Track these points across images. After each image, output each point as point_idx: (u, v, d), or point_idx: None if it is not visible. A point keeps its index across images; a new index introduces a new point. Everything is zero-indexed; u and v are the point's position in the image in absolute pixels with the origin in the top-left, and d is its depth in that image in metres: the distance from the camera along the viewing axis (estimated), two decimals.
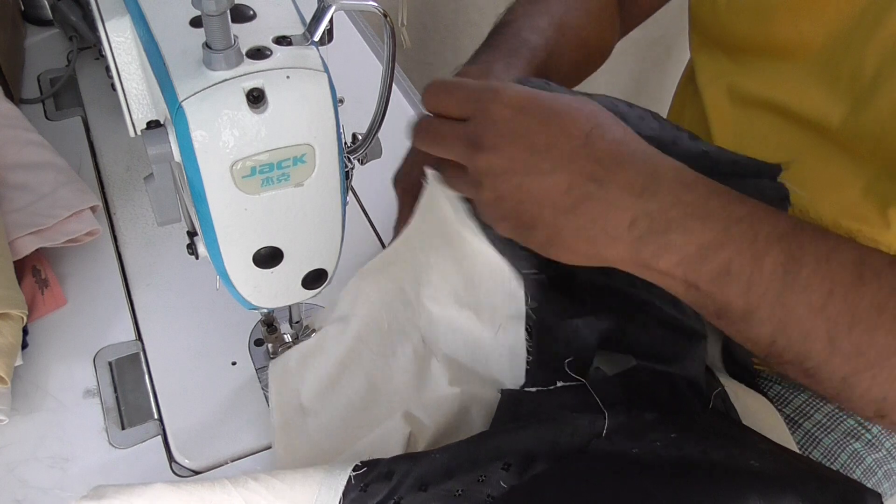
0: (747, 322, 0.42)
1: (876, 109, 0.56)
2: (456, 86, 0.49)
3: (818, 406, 0.73)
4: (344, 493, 0.45)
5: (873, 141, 0.57)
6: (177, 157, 0.42)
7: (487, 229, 0.52)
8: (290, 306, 0.57)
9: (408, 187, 0.60)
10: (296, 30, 0.43)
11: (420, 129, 0.50)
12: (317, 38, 0.42)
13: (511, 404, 0.53)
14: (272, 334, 0.60)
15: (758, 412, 0.57)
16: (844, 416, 0.72)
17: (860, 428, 0.71)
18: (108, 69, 0.51)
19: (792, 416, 0.72)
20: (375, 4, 0.44)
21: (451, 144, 0.48)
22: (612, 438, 0.48)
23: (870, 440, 0.71)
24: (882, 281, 0.41)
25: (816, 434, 0.71)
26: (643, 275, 0.45)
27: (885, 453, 0.71)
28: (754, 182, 0.51)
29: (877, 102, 0.56)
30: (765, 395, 0.59)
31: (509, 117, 0.46)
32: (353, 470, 0.46)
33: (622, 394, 0.52)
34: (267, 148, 0.41)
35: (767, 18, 0.61)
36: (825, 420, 0.71)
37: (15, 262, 0.61)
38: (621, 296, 0.55)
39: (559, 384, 0.53)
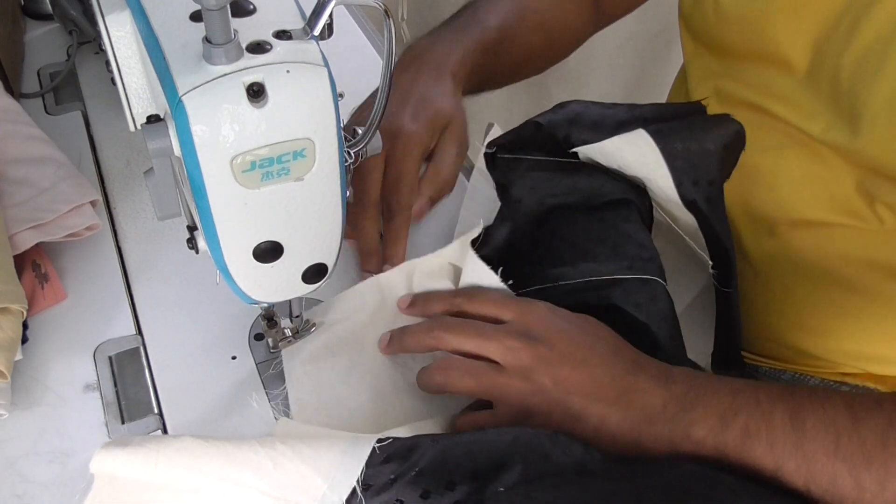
0: (780, 478, 0.47)
1: (852, 120, 0.56)
2: (485, 294, 0.57)
3: None
4: (367, 463, 0.46)
5: (852, 151, 0.57)
6: (177, 151, 0.42)
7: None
8: (290, 301, 0.57)
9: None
10: (296, 24, 0.43)
11: (461, 328, 0.55)
12: (317, 32, 0.42)
13: None
14: (272, 329, 0.60)
15: None
16: None
17: None
18: (107, 63, 0.50)
19: None
20: None
21: (501, 338, 0.53)
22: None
23: None
24: (875, 418, 0.46)
25: None
26: (676, 452, 0.49)
27: None
28: (716, 122, 0.60)
29: (853, 113, 0.56)
30: None
31: (549, 316, 0.54)
32: (377, 441, 0.47)
33: None
34: (267, 142, 0.41)
35: (752, 29, 0.62)
36: None
37: (15, 257, 0.61)
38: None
39: None
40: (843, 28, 0.56)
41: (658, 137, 0.58)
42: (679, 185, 0.59)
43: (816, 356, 0.65)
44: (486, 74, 0.70)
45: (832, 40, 0.57)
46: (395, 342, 0.58)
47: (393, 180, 0.64)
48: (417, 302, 0.60)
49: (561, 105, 0.64)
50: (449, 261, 0.61)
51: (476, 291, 0.58)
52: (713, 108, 0.70)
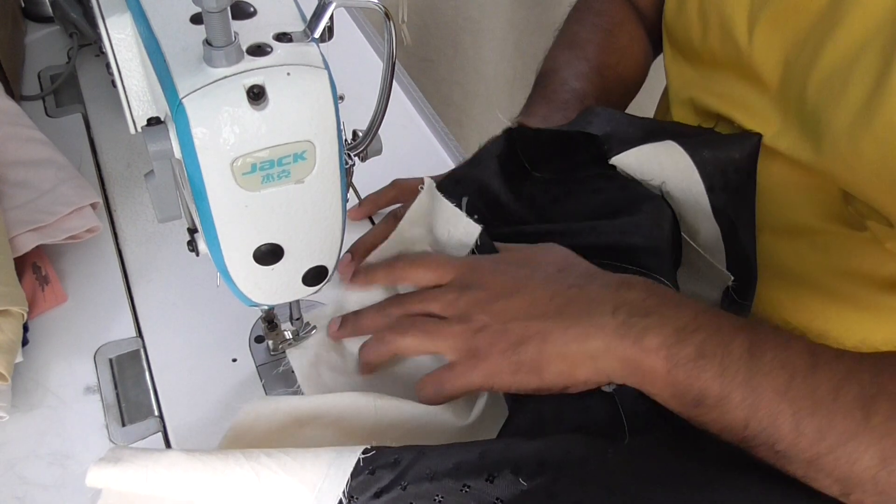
0: (723, 408, 0.45)
1: (816, 140, 0.56)
2: (437, 259, 0.57)
3: None
4: (352, 475, 0.46)
5: (818, 170, 0.57)
6: (177, 153, 0.42)
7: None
8: (290, 303, 0.57)
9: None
10: (296, 27, 0.43)
11: (410, 300, 0.56)
12: (317, 34, 0.42)
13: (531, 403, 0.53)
14: (273, 331, 0.60)
15: None
16: None
17: None
18: (108, 66, 0.51)
19: None
20: (376, 1, 0.44)
21: (439, 297, 0.54)
22: (631, 446, 0.49)
23: None
24: (834, 369, 0.45)
25: None
26: (628, 373, 0.48)
27: None
28: (736, 136, 0.61)
29: (817, 133, 0.56)
30: None
31: (491, 263, 0.55)
32: (363, 452, 0.47)
33: (646, 407, 0.51)
34: (267, 145, 0.41)
35: (732, 37, 0.62)
36: None
37: (15, 259, 0.61)
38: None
39: None
40: (810, 48, 0.56)
41: (686, 146, 0.59)
42: (710, 189, 0.60)
43: None
44: None
45: (800, 59, 0.57)
46: (349, 326, 0.58)
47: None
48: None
49: (591, 112, 0.65)
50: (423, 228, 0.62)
51: (417, 257, 0.59)
52: (689, 119, 0.70)
